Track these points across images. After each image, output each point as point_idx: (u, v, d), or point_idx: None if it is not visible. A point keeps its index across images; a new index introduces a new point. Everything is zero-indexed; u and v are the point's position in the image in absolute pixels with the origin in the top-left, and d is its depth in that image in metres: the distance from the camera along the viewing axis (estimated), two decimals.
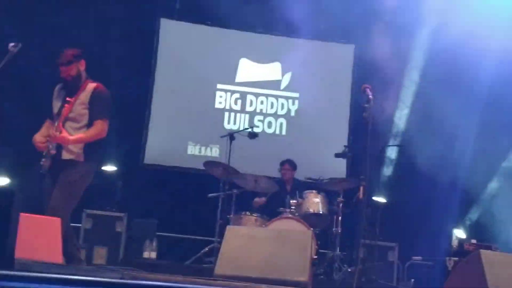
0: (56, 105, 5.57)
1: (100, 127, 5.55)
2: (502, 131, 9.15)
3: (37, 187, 5.68)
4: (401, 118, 9.90)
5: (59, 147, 5.39)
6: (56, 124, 5.39)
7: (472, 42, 8.36)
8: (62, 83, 5.66)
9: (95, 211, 8.42)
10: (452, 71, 8.99)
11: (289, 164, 8.52)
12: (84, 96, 5.56)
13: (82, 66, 5.59)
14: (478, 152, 9.17)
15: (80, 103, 5.53)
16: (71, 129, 5.46)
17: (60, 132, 5.34)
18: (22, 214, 4.27)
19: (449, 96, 8.89)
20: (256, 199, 8.28)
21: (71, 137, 5.39)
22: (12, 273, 2.07)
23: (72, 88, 5.52)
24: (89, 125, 5.51)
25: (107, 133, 9.00)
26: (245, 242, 4.80)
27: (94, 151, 5.59)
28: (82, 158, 5.49)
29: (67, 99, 5.46)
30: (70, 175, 5.44)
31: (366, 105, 6.05)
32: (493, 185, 9.54)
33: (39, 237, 5.02)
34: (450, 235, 8.77)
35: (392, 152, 9.79)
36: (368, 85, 6.27)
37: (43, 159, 5.37)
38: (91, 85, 5.62)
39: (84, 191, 5.59)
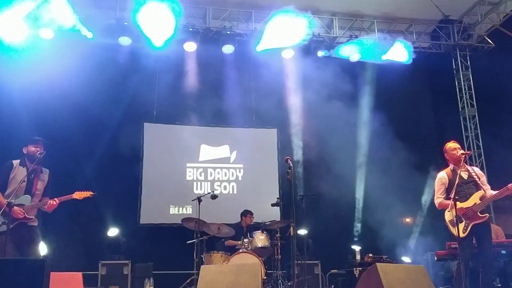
0: (16, 178, 5.06)
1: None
2: None
3: None
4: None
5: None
6: (32, 196, 5.06)
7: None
8: (20, 160, 5.17)
9: (107, 261, 8.13)
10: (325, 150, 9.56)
11: (251, 213, 8.39)
12: (44, 177, 5.26)
13: None
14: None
15: (43, 183, 5.23)
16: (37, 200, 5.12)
17: (55, 201, 5.05)
18: (52, 272, 3.97)
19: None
20: (230, 241, 8.01)
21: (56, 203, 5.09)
22: None
23: (35, 167, 5.11)
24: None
25: (112, 204, 8.73)
26: (215, 276, 4.61)
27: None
28: (37, 224, 5.19)
29: (34, 178, 5.13)
30: (38, 237, 5.11)
31: (288, 170, 6.02)
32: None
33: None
34: (354, 251, 8.73)
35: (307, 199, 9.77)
36: (289, 157, 6.27)
37: (5, 221, 4.81)
38: (46, 169, 5.31)
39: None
